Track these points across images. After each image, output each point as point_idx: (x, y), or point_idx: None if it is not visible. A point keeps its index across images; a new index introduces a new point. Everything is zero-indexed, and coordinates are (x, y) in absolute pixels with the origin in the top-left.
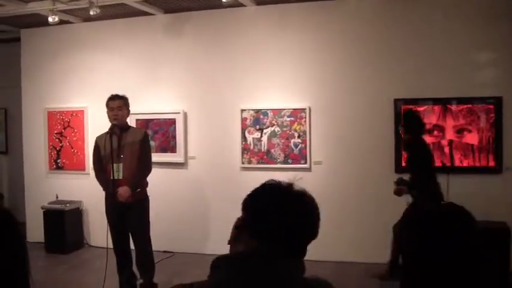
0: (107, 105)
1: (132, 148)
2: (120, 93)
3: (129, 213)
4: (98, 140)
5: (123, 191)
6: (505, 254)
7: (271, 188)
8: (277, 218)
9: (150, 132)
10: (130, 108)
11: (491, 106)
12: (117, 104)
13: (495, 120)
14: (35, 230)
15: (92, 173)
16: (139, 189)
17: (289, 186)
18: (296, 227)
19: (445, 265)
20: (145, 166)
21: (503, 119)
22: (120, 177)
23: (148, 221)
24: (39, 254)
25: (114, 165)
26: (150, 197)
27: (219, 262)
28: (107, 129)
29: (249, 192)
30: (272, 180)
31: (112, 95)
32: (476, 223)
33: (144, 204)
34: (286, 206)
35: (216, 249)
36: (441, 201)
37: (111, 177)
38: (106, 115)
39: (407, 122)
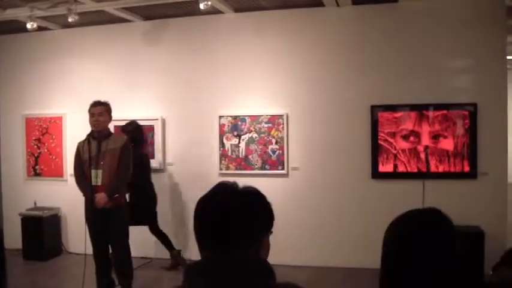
0: (89, 111)
1: (113, 154)
2: (99, 99)
3: (108, 219)
4: (80, 145)
5: (100, 198)
6: (479, 257)
7: (215, 194)
8: (231, 223)
9: None
10: (111, 114)
11: (467, 112)
12: (98, 110)
13: (470, 126)
14: (13, 237)
15: (70, 179)
16: (117, 195)
17: (233, 186)
18: (252, 226)
19: (427, 266)
20: (124, 173)
21: (478, 125)
22: (99, 184)
23: (127, 228)
24: (17, 261)
25: (93, 171)
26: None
27: (192, 270)
28: (83, 137)
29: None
30: (218, 185)
31: (94, 101)
32: (453, 225)
33: (123, 211)
34: (237, 208)
35: (194, 255)
36: (150, 200)
37: (90, 183)
38: (85, 121)
39: (133, 133)
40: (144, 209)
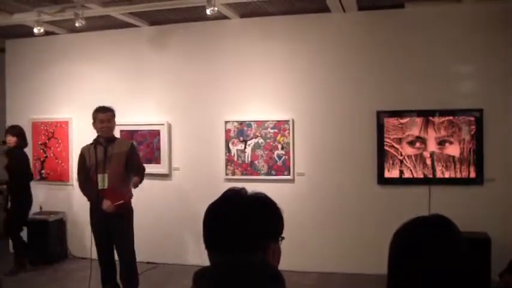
0: (96, 117)
1: (118, 159)
2: (105, 104)
3: (114, 224)
4: (84, 150)
5: (107, 204)
6: (486, 264)
7: (225, 199)
8: (241, 226)
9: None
10: (115, 119)
11: (472, 118)
12: (108, 117)
13: (476, 132)
14: None
15: (76, 184)
16: (122, 201)
17: (242, 192)
18: (260, 230)
19: (433, 273)
20: (140, 171)
21: (484, 130)
22: (105, 187)
23: (133, 232)
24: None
25: (99, 175)
26: (134, 208)
27: (201, 275)
28: (91, 140)
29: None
30: (227, 190)
31: (102, 107)
32: (460, 232)
33: (128, 216)
34: (243, 212)
35: (200, 261)
36: (30, 204)
37: (96, 188)
38: (91, 126)
39: (20, 137)
40: (20, 215)
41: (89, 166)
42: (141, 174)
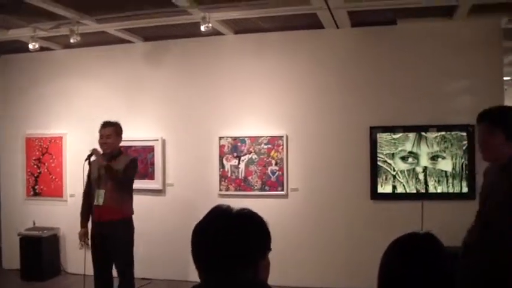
0: (99, 131)
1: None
2: (109, 119)
3: (112, 240)
4: (93, 163)
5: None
6: None
7: (211, 218)
8: (227, 245)
9: None
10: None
11: (464, 133)
12: (107, 132)
13: (468, 147)
14: (11, 257)
15: (70, 199)
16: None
17: (228, 210)
18: (250, 248)
19: None
20: (125, 175)
21: (476, 146)
22: (100, 204)
23: (132, 250)
24: (15, 281)
25: (97, 190)
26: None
27: None
28: (85, 156)
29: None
30: (213, 209)
31: (104, 122)
32: (446, 249)
33: (128, 233)
34: (230, 230)
35: (194, 277)
36: None
37: (94, 203)
38: (85, 141)
39: None
40: None
41: (92, 180)
42: (122, 175)
